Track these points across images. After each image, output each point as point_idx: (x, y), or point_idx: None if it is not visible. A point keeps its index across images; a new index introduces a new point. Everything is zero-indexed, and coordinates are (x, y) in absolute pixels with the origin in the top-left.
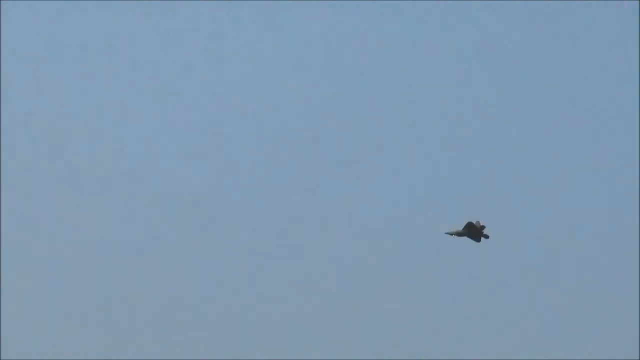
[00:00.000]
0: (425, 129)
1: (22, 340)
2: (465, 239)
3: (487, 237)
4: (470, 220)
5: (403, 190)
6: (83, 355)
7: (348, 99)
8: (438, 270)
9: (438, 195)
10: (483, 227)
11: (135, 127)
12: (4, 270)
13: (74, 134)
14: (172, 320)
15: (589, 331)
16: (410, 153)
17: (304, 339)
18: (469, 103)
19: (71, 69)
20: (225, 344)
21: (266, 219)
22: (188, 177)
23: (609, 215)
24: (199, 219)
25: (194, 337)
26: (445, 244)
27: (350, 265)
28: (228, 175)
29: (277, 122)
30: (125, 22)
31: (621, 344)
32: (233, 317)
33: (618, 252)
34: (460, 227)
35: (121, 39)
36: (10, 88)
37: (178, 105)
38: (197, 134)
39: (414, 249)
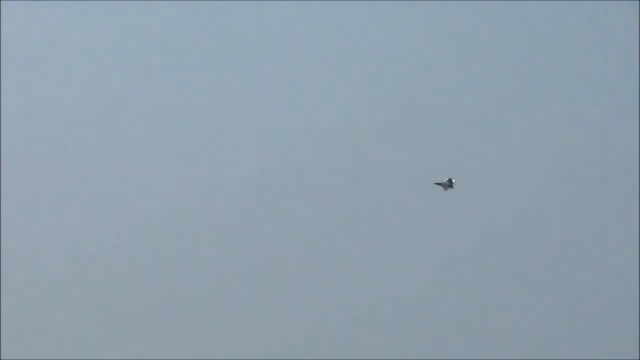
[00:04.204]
0: (426, 131)
1: (22, 340)
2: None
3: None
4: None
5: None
6: (83, 355)
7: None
8: (434, 270)
9: (437, 200)
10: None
11: (136, 127)
12: (4, 270)
13: (74, 134)
14: (172, 321)
15: (589, 331)
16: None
17: (305, 340)
18: (465, 103)
19: (72, 68)
20: (225, 344)
21: (268, 220)
22: (189, 176)
23: (608, 216)
24: (200, 218)
25: (194, 337)
26: (441, 248)
27: (351, 265)
28: (229, 173)
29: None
30: (126, 22)
31: (621, 344)
32: (233, 316)
33: (618, 251)
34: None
35: (122, 39)
36: (10, 88)
37: (180, 104)
38: (198, 132)
39: (414, 250)
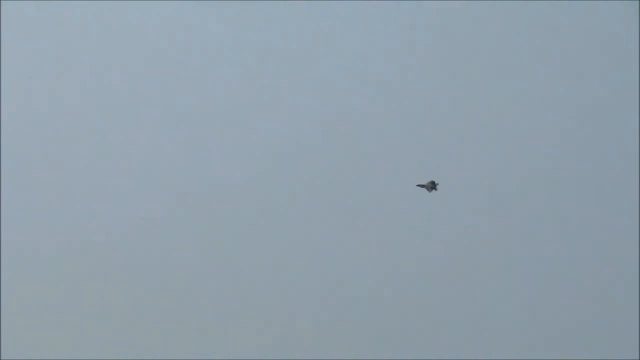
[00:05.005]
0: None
1: (22, 340)
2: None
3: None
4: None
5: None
6: (83, 355)
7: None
8: (434, 274)
9: (438, 200)
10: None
11: (138, 127)
12: (4, 270)
13: (75, 134)
14: (173, 321)
15: (589, 331)
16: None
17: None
18: (464, 104)
19: (72, 68)
20: (225, 344)
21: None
22: (189, 176)
23: (608, 216)
24: (202, 218)
25: (194, 338)
26: (439, 250)
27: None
28: (230, 174)
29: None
30: (126, 22)
31: (621, 344)
32: (234, 316)
33: (618, 252)
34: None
35: (122, 38)
36: (10, 88)
37: (181, 103)
38: (200, 132)
39: (416, 251)
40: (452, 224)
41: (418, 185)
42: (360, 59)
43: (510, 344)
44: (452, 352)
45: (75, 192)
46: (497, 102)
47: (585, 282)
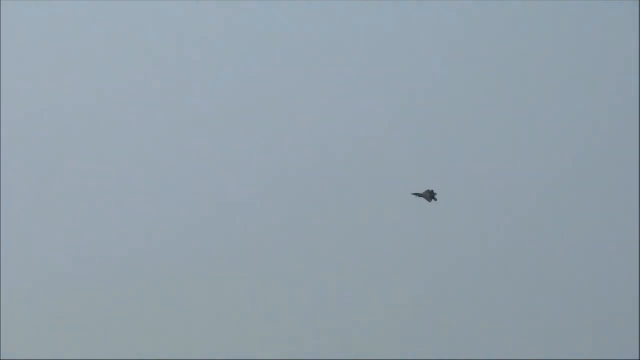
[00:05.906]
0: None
1: (22, 340)
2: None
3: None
4: (428, 190)
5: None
6: (84, 355)
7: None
8: (435, 272)
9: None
10: (432, 193)
11: (138, 128)
12: (4, 270)
13: (75, 134)
14: (173, 321)
15: (589, 331)
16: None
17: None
18: (464, 104)
19: (72, 69)
20: (225, 344)
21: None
22: (190, 177)
23: (608, 217)
24: (203, 219)
25: (193, 337)
26: (439, 247)
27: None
28: (231, 175)
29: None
30: (127, 22)
31: (621, 344)
32: (234, 316)
33: (618, 252)
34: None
35: (123, 38)
36: (10, 88)
37: (182, 104)
38: (201, 134)
39: (416, 251)
40: (455, 231)
41: (414, 194)
42: (362, 64)
43: (510, 344)
44: (451, 352)
45: (74, 193)
46: (494, 103)
47: (585, 282)
